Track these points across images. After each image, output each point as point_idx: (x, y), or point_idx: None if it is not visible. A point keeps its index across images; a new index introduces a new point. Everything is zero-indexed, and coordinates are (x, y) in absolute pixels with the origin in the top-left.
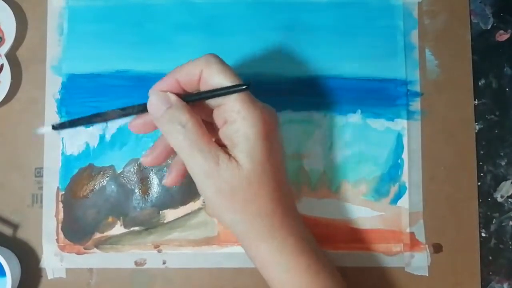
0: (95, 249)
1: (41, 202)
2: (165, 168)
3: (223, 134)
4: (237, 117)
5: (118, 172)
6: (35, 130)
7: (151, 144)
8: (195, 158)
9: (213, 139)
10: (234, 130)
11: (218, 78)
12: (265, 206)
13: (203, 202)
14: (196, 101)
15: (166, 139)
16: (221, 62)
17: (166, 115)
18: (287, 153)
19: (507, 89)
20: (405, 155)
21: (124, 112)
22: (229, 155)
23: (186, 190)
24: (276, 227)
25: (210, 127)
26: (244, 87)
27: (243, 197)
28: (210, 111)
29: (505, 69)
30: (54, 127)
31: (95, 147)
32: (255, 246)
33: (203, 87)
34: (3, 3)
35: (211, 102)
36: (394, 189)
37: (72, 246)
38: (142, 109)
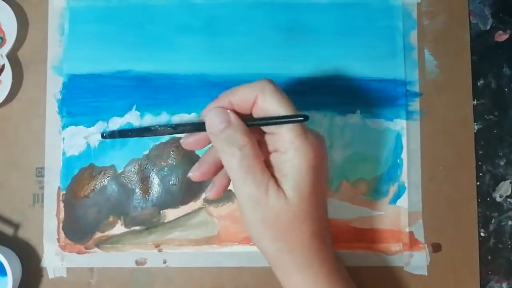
0: (96, 249)
1: (42, 201)
2: (165, 168)
3: (273, 160)
4: (289, 147)
5: (119, 172)
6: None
7: (151, 144)
8: (246, 184)
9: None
10: (284, 161)
11: (273, 107)
12: (305, 238)
13: (203, 201)
14: (251, 125)
15: (220, 157)
16: (277, 89)
17: (224, 134)
18: None
19: (506, 89)
20: (404, 155)
21: (175, 130)
22: (278, 185)
23: (187, 189)
24: (312, 259)
25: (259, 145)
26: (301, 118)
27: (286, 228)
28: (261, 133)
29: (504, 70)
30: (104, 136)
31: (96, 147)
32: (290, 276)
33: (257, 113)
34: (4, 3)
35: (264, 127)
36: (393, 189)
37: (73, 246)
38: (194, 128)
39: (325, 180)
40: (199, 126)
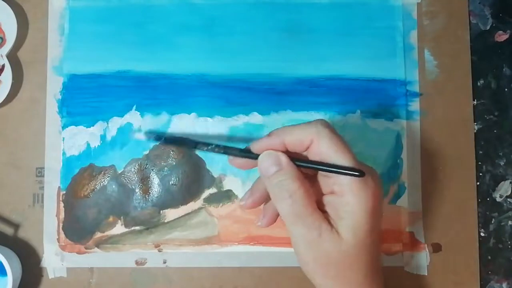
0: (96, 249)
1: (42, 201)
2: (165, 168)
3: (327, 201)
4: (346, 191)
5: (119, 172)
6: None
7: (151, 144)
8: (298, 227)
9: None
10: (341, 204)
11: (329, 154)
12: (357, 277)
13: (203, 201)
14: (304, 167)
15: (271, 197)
16: (334, 135)
17: (275, 179)
18: None
19: (506, 89)
20: (404, 155)
21: (226, 151)
22: (331, 225)
23: (187, 189)
24: None
25: (311, 181)
26: (357, 174)
27: (338, 266)
28: (315, 172)
29: (504, 70)
30: (157, 138)
31: (96, 147)
32: None
33: (312, 156)
34: (4, 3)
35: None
36: (393, 189)
37: (73, 246)
38: (244, 154)
39: (381, 220)
40: (251, 155)
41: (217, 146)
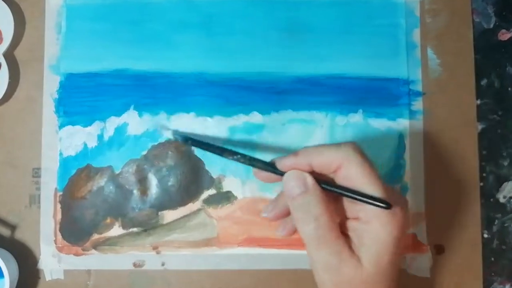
0: (93, 250)
1: (39, 203)
2: (164, 169)
3: (351, 227)
4: (372, 219)
5: (116, 172)
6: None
7: (149, 144)
8: (320, 252)
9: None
10: (366, 231)
11: (358, 181)
12: None
13: (202, 203)
14: (329, 191)
15: (293, 218)
16: (364, 161)
17: (300, 200)
18: (288, 153)
19: (509, 89)
20: (407, 156)
21: (251, 163)
22: (352, 250)
23: (185, 191)
24: None
25: (335, 202)
26: (384, 206)
27: None
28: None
29: (507, 69)
30: (184, 140)
31: (93, 147)
32: None
33: (339, 180)
34: (1, 1)
35: None
36: (396, 190)
37: (70, 247)
38: (269, 169)
39: (402, 247)
40: (276, 170)
41: (243, 156)
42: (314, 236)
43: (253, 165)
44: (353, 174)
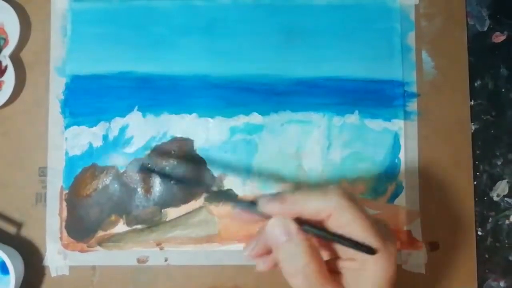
0: (98, 247)
1: (45, 201)
2: (167, 167)
3: (344, 266)
4: (367, 259)
5: (121, 171)
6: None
7: (152, 144)
8: None
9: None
10: (359, 270)
11: (350, 229)
12: None
13: (204, 200)
14: (317, 236)
15: (281, 269)
16: (352, 206)
17: (285, 248)
18: (286, 153)
19: (503, 90)
20: (402, 155)
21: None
22: None
23: (187, 189)
24: None
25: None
26: (371, 252)
27: None
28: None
29: (501, 70)
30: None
31: (98, 147)
32: None
33: (330, 227)
34: (7, 5)
35: None
36: (391, 188)
37: (75, 244)
38: (251, 209)
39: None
40: (259, 212)
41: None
42: (301, 285)
43: (236, 204)
44: (344, 222)
